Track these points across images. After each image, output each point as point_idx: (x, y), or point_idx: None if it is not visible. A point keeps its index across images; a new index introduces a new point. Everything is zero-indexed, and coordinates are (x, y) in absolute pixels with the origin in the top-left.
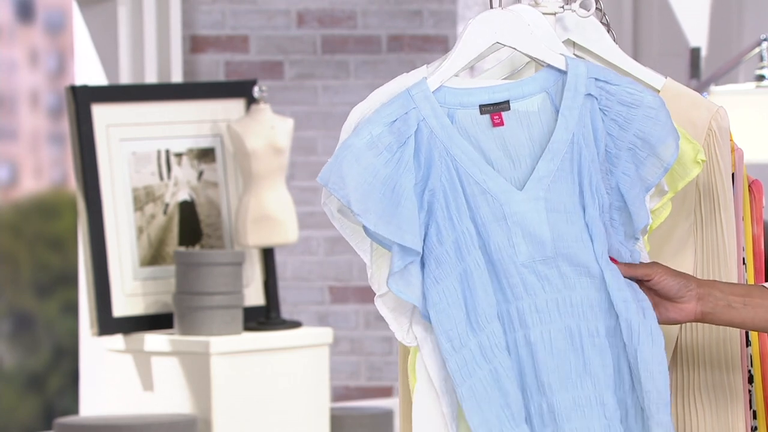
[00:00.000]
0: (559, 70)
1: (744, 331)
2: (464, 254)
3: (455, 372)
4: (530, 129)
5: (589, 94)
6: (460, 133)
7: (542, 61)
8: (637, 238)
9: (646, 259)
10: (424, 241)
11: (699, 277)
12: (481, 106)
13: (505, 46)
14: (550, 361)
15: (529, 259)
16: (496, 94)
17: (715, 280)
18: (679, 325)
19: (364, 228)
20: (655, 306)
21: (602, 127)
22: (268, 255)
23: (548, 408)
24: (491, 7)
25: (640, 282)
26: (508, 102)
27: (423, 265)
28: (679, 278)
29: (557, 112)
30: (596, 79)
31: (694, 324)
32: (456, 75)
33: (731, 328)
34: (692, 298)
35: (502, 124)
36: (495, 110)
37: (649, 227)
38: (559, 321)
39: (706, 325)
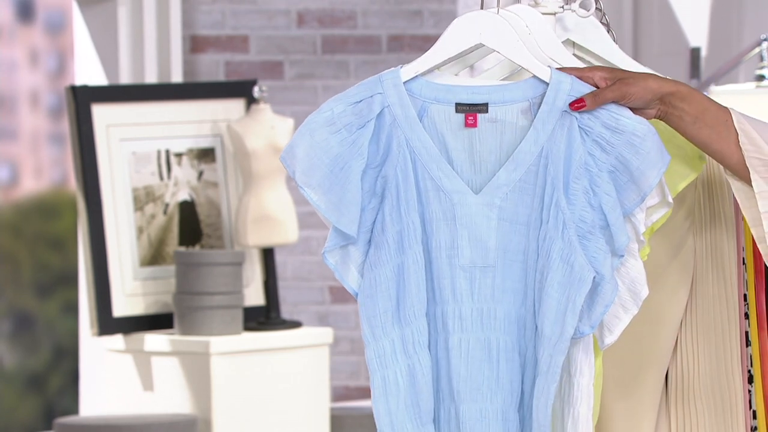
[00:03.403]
0: (544, 82)
1: (744, 331)
2: (405, 247)
3: (371, 360)
4: (502, 136)
5: (567, 112)
6: (426, 126)
7: (526, 69)
8: (621, 256)
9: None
10: (371, 225)
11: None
12: (457, 105)
13: (491, 49)
14: (463, 369)
15: (471, 264)
16: (476, 95)
17: (695, 92)
18: (677, 326)
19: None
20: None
21: (581, 147)
22: (268, 255)
23: (455, 415)
24: (482, 8)
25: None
26: (486, 105)
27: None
28: (648, 97)
29: None
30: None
31: (693, 324)
32: (439, 70)
33: (729, 327)
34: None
35: (474, 125)
36: (471, 110)
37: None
38: (480, 332)
39: (705, 324)
